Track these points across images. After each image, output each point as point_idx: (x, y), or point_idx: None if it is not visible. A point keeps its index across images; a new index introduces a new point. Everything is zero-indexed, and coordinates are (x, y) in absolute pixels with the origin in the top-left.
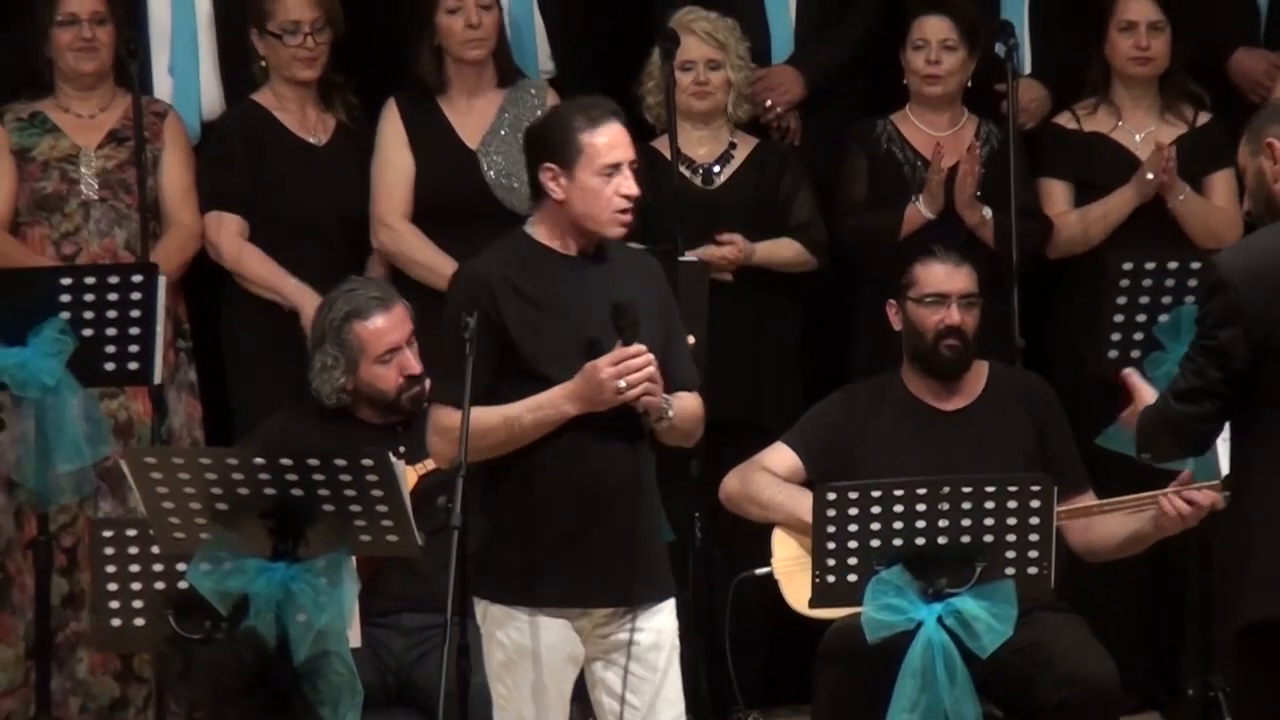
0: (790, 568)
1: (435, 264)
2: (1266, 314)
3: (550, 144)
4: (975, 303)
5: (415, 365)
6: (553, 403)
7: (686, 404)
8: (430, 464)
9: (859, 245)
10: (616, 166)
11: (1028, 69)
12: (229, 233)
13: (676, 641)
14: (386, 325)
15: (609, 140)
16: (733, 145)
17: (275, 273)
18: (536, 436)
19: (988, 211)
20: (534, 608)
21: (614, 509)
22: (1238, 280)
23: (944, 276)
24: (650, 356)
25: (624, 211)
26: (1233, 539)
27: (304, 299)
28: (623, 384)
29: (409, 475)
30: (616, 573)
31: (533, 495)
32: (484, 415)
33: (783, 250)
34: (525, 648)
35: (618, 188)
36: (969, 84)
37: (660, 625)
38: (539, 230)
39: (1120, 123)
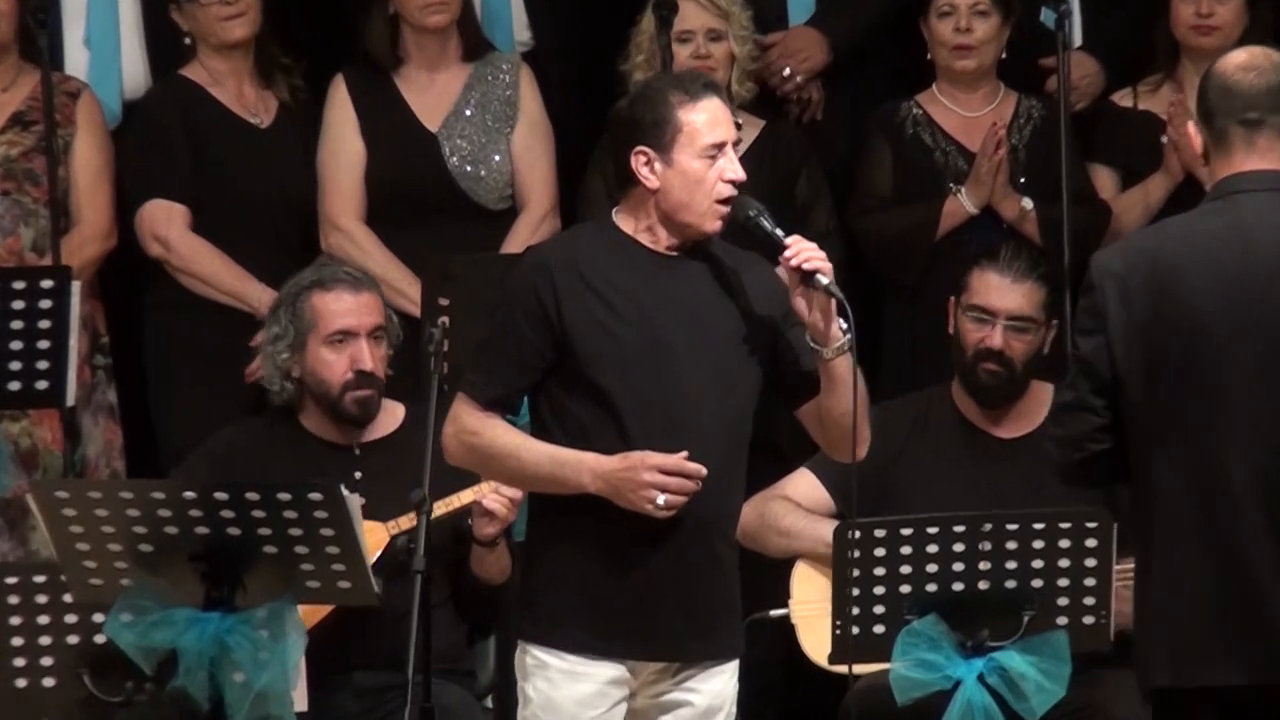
0: (811, 611)
1: (390, 276)
2: (1137, 328)
3: (642, 124)
4: (1029, 328)
5: (369, 360)
6: (576, 468)
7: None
8: (403, 523)
9: (886, 247)
10: (719, 147)
11: (1078, 41)
12: (179, 225)
13: (734, 710)
14: (349, 304)
15: (710, 117)
16: (736, 128)
17: (238, 275)
18: (547, 490)
19: (1028, 202)
20: (567, 652)
21: (677, 551)
22: (1109, 284)
23: (996, 290)
24: (700, 482)
25: (725, 201)
26: (1137, 593)
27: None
28: (661, 500)
29: (379, 534)
30: (671, 624)
31: (585, 526)
32: (502, 439)
33: None
34: (553, 702)
35: (721, 172)
36: (1004, 55)
37: (718, 689)
38: (624, 221)
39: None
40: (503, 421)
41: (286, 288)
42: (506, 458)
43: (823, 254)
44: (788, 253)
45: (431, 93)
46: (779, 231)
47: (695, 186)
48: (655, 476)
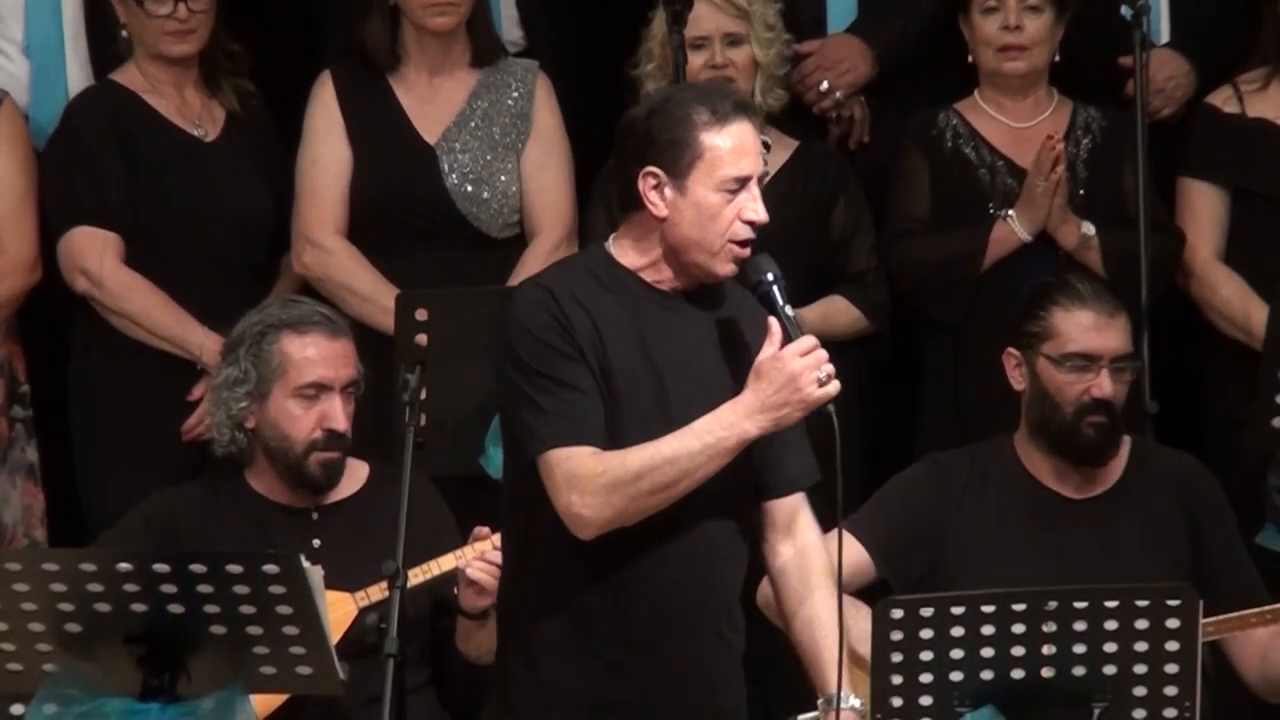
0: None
1: (379, 296)
2: None
3: (657, 141)
4: (1129, 366)
5: (341, 419)
6: (724, 420)
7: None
8: (373, 593)
9: (924, 279)
10: (743, 181)
11: (1165, 37)
12: (110, 256)
13: None
14: (326, 352)
15: (737, 144)
16: (765, 147)
17: (177, 317)
18: (708, 473)
19: (1089, 227)
20: None
21: (682, 635)
22: None
23: (1094, 330)
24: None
25: (744, 244)
26: None
27: (216, 355)
28: (823, 374)
29: (345, 606)
30: None
31: (569, 602)
32: (633, 459)
33: (837, 318)
34: None
35: (741, 210)
36: (1057, 57)
37: None
38: (624, 251)
39: None
40: (611, 449)
41: (248, 324)
42: (655, 470)
43: (831, 370)
44: (787, 352)
45: (432, 100)
46: (789, 310)
47: (709, 222)
48: (802, 360)
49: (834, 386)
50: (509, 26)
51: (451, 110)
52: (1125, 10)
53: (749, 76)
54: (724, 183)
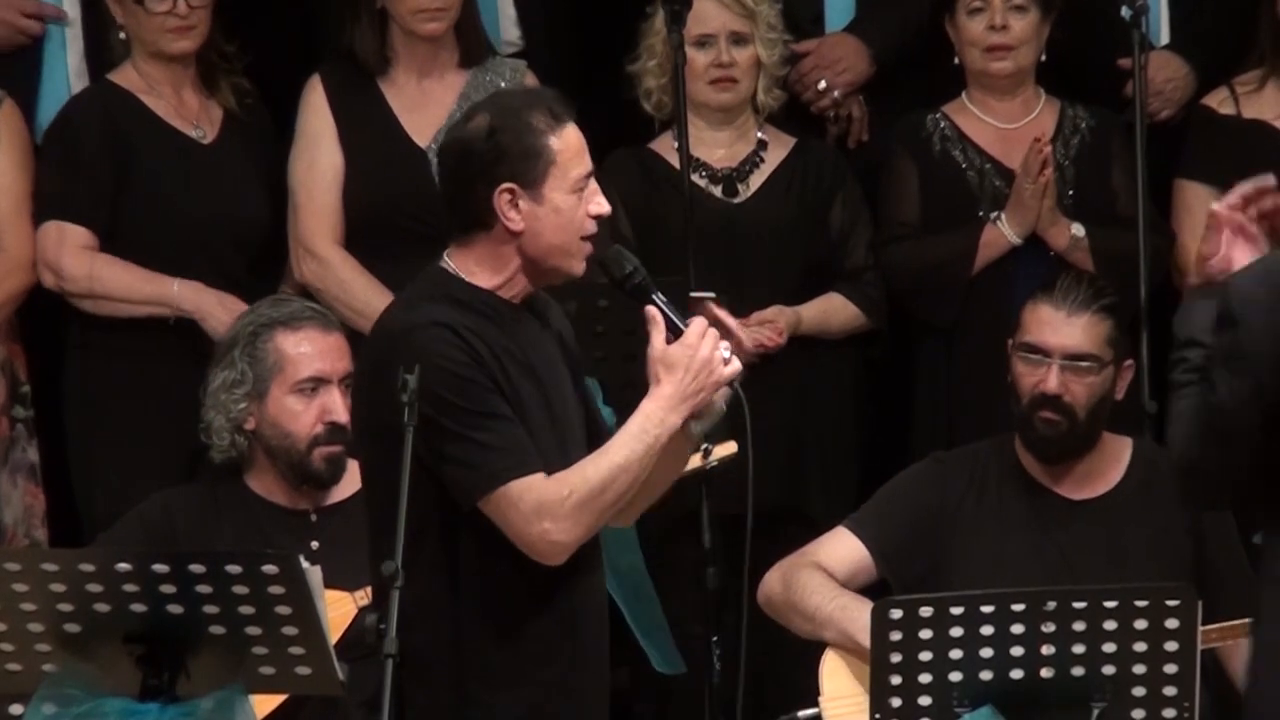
0: (845, 709)
1: (373, 308)
2: None
3: (509, 154)
4: (1090, 367)
5: (342, 412)
6: (654, 418)
7: None
8: (373, 592)
9: (916, 282)
10: (588, 177)
11: (1164, 39)
12: (70, 247)
13: None
14: (321, 346)
15: (577, 141)
16: (763, 145)
17: (148, 277)
18: (647, 474)
19: (1078, 228)
20: None
21: (596, 644)
22: (1253, 317)
23: (1049, 325)
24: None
25: (590, 238)
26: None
27: (203, 301)
28: (726, 353)
29: (345, 605)
30: None
31: (523, 647)
32: (591, 472)
33: (835, 315)
34: None
35: (587, 205)
36: (1043, 57)
37: None
38: (473, 273)
39: None
40: (566, 469)
41: (240, 325)
42: (615, 481)
43: (729, 344)
44: (692, 338)
45: (422, 102)
46: (661, 296)
47: (567, 225)
48: (708, 342)
49: (736, 362)
50: (507, 26)
51: (442, 113)
52: (1125, 11)
53: (752, 76)
54: (575, 182)
